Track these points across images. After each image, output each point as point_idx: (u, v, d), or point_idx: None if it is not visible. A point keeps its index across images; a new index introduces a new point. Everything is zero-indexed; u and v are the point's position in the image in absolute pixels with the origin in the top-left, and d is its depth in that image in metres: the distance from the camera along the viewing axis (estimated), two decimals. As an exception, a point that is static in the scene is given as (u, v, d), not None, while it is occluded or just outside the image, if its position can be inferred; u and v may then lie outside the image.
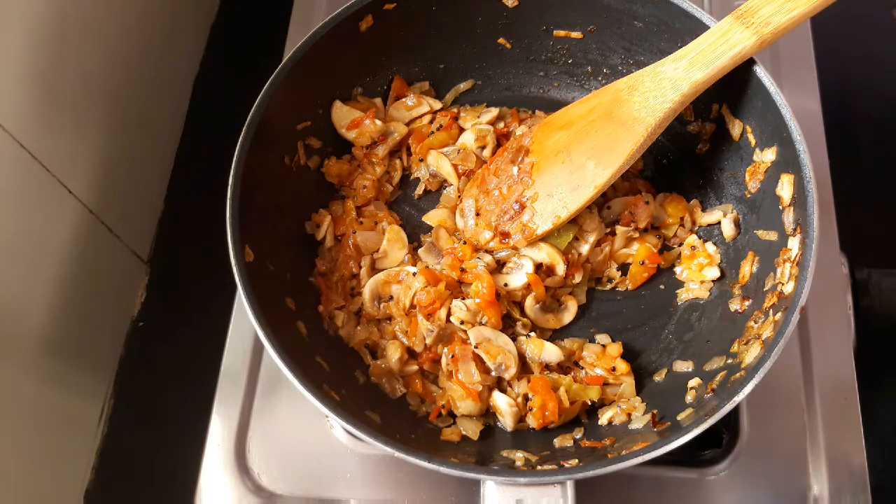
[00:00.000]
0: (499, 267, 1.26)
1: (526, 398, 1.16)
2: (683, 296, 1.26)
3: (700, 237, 1.29)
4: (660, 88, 1.13)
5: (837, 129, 1.41)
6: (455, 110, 1.41)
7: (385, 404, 1.18)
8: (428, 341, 1.19)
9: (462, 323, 1.19)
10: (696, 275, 1.26)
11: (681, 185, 1.33)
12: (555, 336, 1.26)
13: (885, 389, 1.37)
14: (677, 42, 1.16)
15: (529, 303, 1.23)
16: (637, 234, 1.28)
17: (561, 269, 1.24)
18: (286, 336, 1.07)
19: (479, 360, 1.17)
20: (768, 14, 1.07)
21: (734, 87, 1.16)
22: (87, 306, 1.41)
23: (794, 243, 1.08)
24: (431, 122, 1.40)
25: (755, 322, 1.10)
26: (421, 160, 1.37)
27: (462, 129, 1.38)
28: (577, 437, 1.13)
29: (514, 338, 1.21)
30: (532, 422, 1.15)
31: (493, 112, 1.39)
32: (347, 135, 1.34)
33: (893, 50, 1.80)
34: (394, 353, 1.19)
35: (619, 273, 1.29)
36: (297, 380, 1.00)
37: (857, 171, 1.49)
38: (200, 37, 1.79)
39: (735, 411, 1.20)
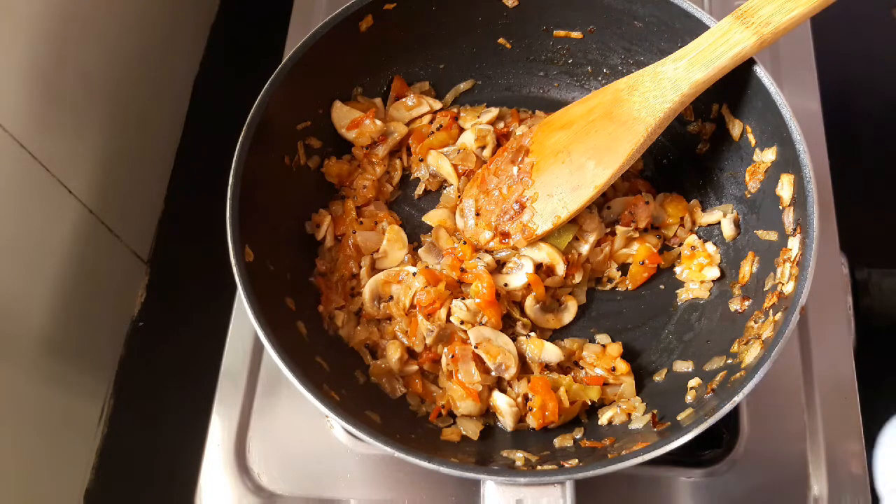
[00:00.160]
0: (499, 267, 1.26)
1: (526, 398, 1.16)
2: (683, 296, 1.26)
3: (700, 237, 1.29)
4: (660, 88, 1.13)
5: (837, 129, 1.41)
6: (455, 110, 1.41)
7: (385, 404, 1.18)
8: (428, 341, 1.19)
9: (462, 323, 1.19)
10: (696, 275, 1.26)
11: (681, 185, 1.33)
12: (555, 336, 1.26)
13: (885, 389, 1.37)
14: (677, 42, 1.16)
15: (529, 303, 1.23)
16: (637, 234, 1.28)
17: (561, 269, 1.23)
18: (286, 336, 1.07)
19: (479, 360, 1.17)
20: (768, 14, 1.07)
21: (734, 87, 1.16)
22: (87, 306, 1.41)
23: (794, 243, 1.08)
24: (431, 122, 1.40)
25: (755, 322, 1.10)
26: (421, 160, 1.37)
27: (462, 129, 1.38)
28: (577, 437, 1.13)
29: (514, 338, 1.21)
30: (532, 422, 1.15)
31: (493, 112, 1.39)
32: (347, 135, 1.34)
33: (893, 50, 1.80)
34: (394, 353, 1.19)
35: (619, 273, 1.29)
36: (297, 380, 1.00)
37: (857, 171, 1.49)
38: (200, 37, 1.79)
39: (735, 411, 1.20)
